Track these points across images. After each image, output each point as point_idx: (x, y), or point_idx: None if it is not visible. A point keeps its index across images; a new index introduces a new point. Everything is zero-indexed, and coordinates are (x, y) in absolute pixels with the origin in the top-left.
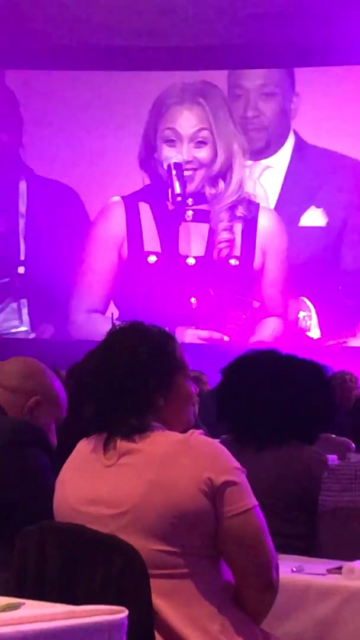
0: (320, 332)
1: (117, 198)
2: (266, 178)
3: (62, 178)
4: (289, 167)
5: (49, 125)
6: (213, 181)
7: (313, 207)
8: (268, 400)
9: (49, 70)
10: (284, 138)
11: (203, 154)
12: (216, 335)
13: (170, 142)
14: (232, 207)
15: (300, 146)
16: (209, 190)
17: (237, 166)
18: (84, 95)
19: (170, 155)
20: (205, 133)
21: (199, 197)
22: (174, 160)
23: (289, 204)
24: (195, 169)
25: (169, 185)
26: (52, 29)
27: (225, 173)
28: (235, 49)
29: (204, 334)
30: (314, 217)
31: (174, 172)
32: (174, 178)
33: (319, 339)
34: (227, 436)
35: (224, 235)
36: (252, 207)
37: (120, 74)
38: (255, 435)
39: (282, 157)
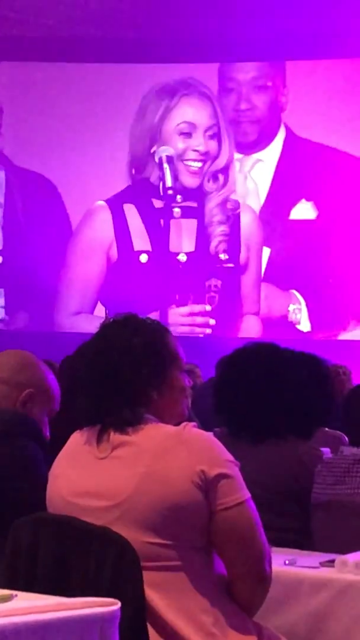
0: (310, 325)
1: (101, 202)
2: (257, 171)
3: (41, 170)
4: (279, 161)
5: (28, 115)
6: (214, 176)
7: (303, 200)
8: (264, 393)
9: (31, 62)
10: (275, 131)
11: (213, 146)
12: (196, 308)
13: (186, 135)
14: (223, 202)
15: (291, 139)
16: (209, 185)
17: (233, 166)
18: (68, 88)
19: (182, 146)
20: (215, 128)
21: (193, 192)
22: (166, 153)
23: (280, 197)
24: (204, 161)
25: (160, 179)
26: (35, 19)
27: (226, 168)
28: (226, 42)
29: (185, 310)
30: (304, 211)
31: (166, 165)
32: (166, 171)
33: (309, 332)
34: (220, 429)
35: (219, 229)
36: (235, 203)
37: (108, 67)
38: (250, 429)
39: (273, 151)
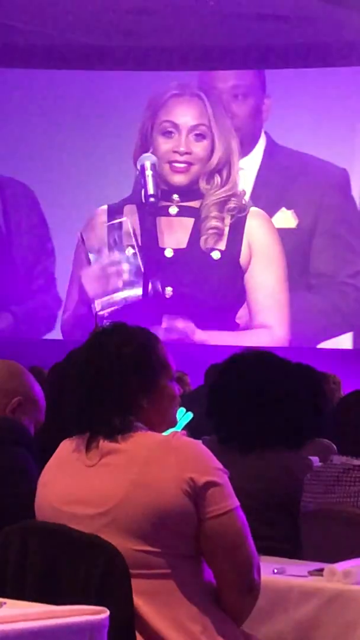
0: (291, 333)
1: (104, 207)
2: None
3: (30, 177)
4: (260, 169)
5: (20, 123)
6: (209, 177)
7: (284, 208)
8: (258, 402)
9: (21, 69)
10: (256, 139)
11: (200, 148)
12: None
13: (168, 134)
14: (223, 203)
15: (271, 148)
16: (203, 186)
17: (234, 163)
18: (57, 95)
19: (164, 147)
20: (203, 128)
21: (189, 193)
22: (148, 160)
23: (260, 206)
24: (190, 164)
25: (142, 186)
26: (24, 25)
27: (221, 169)
28: (206, 50)
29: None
30: (284, 219)
31: (149, 172)
32: (148, 179)
33: (289, 339)
34: (209, 437)
35: (213, 223)
36: (243, 204)
37: (95, 74)
38: (241, 437)
39: (253, 159)
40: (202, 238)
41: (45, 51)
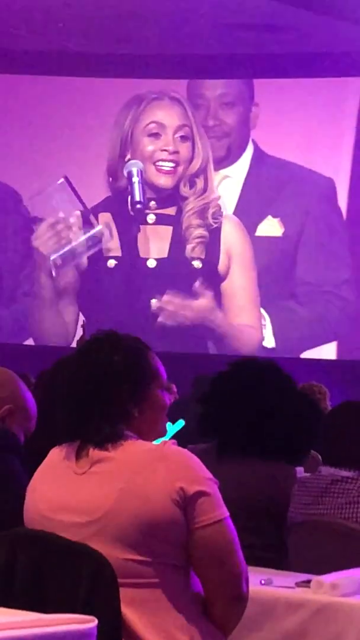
0: (275, 341)
1: (77, 212)
2: (224, 187)
3: (11, 181)
4: (247, 177)
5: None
6: (191, 180)
7: (270, 216)
8: (254, 413)
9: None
10: (243, 148)
11: (185, 149)
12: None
13: (154, 135)
14: (203, 210)
15: (259, 156)
16: (185, 190)
17: (210, 170)
18: (41, 101)
19: (150, 148)
20: (187, 129)
21: (167, 199)
22: (135, 167)
23: (246, 214)
24: (177, 164)
25: (129, 193)
26: (12, 30)
27: (201, 174)
28: (194, 59)
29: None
30: (270, 227)
31: (135, 179)
32: (135, 185)
33: (273, 348)
34: (196, 446)
35: (199, 231)
36: (219, 213)
37: (80, 80)
38: (236, 447)
39: (240, 167)
40: (189, 247)
41: (33, 57)
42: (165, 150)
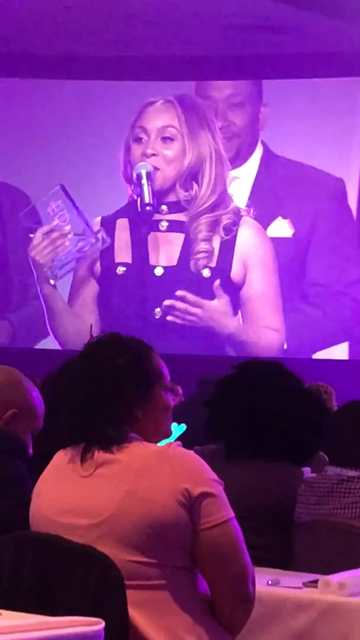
0: (286, 343)
1: (97, 219)
2: (234, 189)
3: (29, 187)
4: (256, 178)
5: (19, 132)
6: (185, 184)
7: (280, 218)
8: (264, 414)
9: (15, 78)
10: (252, 149)
11: (169, 150)
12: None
13: (139, 140)
14: (215, 221)
15: (268, 157)
16: (181, 193)
17: (208, 171)
18: (51, 105)
19: (137, 153)
20: (172, 130)
21: (173, 204)
22: (144, 169)
23: (256, 215)
24: (157, 168)
25: (138, 195)
26: (19, 36)
27: (196, 175)
28: (202, 61)
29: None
30: (280, 228)
31: (144, 181)
32: (144, 188)
33: (285, 350)
34: (201, 447)
35: (202, 246)
36: (237, 218)
37: (91, 84)
38: (245, 449)
39: (249, 168)
40: (192, 261)
41: (39, 61)
42: (144, 154)
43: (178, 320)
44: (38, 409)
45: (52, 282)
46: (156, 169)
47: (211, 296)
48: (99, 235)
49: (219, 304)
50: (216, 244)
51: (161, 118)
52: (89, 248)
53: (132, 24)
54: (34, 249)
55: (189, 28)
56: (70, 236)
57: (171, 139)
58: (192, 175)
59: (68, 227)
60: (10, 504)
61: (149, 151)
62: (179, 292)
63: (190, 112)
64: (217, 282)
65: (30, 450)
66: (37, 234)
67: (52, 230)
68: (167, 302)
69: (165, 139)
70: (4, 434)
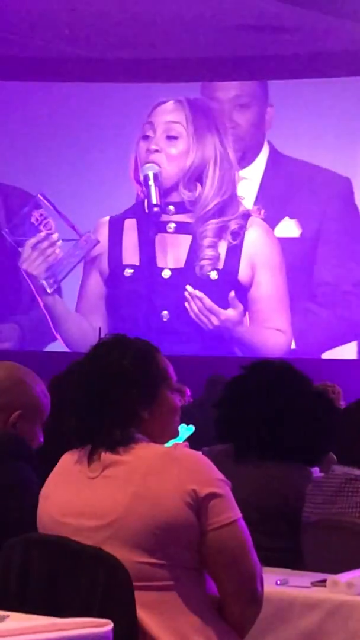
0: (295, 343)
1: (105, 219)
2: (240, 189)
3: (38, 188)
4: (263, 178)
5: (29, 135)
6: (189, 184)
7: (287, 218)
8: (274, 415)
9: (24, 82)
10: (259, 149)
11: (173, 148)
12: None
13: (145, 138)
14: (222, 227)
15: (275, 157)
16: (185, 193)
17: (212, 173)
18: (59, 108)
19: (143, 149)
20: (178, 127)
21: (178, 205)
22: (151, 171)
23: (263, 215)
24: (159, 165)
25: (146, 196)
26: (24, 39)
27: (200, 176)
28: (208, 62)
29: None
30: (288, 228)
31: (151, 182)
32: (151, 189)
33: (293, 350)
34: (209, 448)
35: (208, 252)
36: (244, 221)
37: (98, 86)
38: (255, 449)
39: (256, 168)
40: (197, 266)
41: (47, 63)
42: (148, 150)
43: (191, 314)
44: (44, 404)
45: (49, 290)
46: (159, 166)
47: (221, 299)
48: (87, 237)
49: (235, 314)
50: (222, 249)
51: (169, 115)
52: (79, 252)
53: (136, 26)
54: (25, 261)
55: (195, 30)
56: (59, 243)
57: (176, 138)
58: (196, 177)
59: (56, 235)
60: (18, 507)
61: (153, 147)
62: (197, 292)
63: (199, 114)
64: (232, 293)
65: (42, 439)
66: (26, 247)
67: (39, 241)
68: (188, 290)
69: (170, 138)
70: (12, 438)
